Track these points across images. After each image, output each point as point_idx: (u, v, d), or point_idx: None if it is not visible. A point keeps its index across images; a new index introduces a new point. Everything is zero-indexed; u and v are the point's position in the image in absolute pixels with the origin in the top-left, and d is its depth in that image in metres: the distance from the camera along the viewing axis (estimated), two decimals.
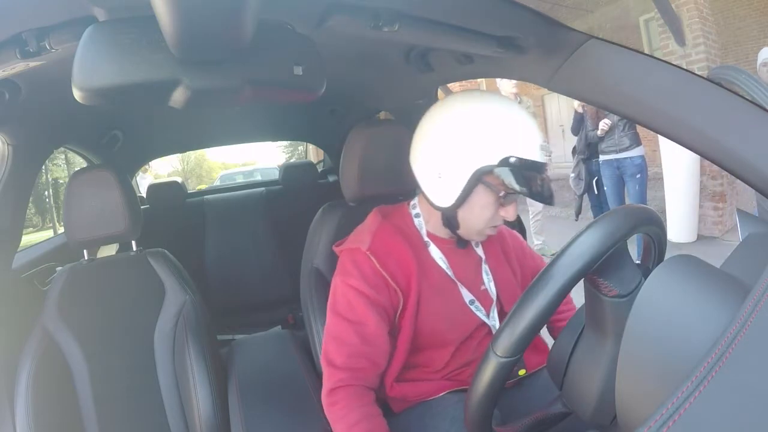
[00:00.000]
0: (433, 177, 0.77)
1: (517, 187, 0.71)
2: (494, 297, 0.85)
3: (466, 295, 0.82)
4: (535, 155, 0.73)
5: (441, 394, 0.81)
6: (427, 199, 0.79)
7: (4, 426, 0.91)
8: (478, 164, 0.73)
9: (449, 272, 0.82)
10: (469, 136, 0.74)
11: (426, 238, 0.84)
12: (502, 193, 0.74)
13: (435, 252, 0.83)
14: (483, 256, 0.88)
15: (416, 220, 0.86)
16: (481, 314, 0.82)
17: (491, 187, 0.74)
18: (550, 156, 0.76)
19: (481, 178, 0.73)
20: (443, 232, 0.84)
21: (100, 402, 1.01)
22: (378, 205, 0.91)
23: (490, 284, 0.86)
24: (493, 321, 0.83)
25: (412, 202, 0.88)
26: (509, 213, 0.77)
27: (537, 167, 0.73)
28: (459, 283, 0.82)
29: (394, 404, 0.82)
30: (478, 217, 0.77)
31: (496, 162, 0.72)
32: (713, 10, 4.01)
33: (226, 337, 1.73)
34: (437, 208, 0.78)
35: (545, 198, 0.74)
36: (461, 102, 0.77)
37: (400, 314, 0.79)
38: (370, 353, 0.76)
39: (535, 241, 3.49)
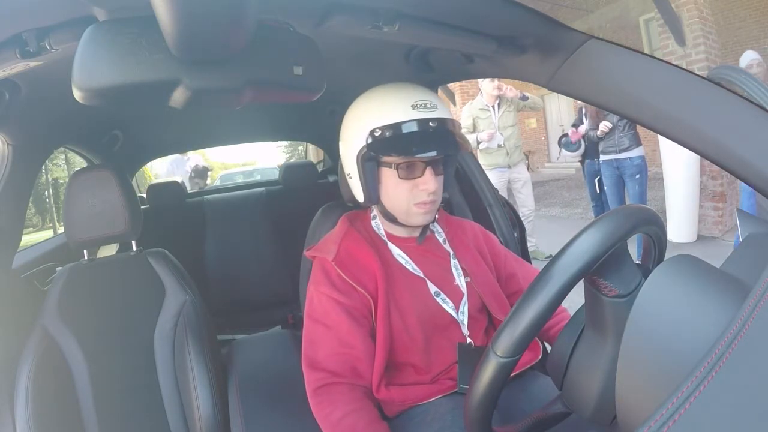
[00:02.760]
0: (346, 179, 0.84)
1: (393, 154, 0.75)
2: (464, 291, 0.85)
3: (432, 288, 0.84)
4: (405, 115, 0.75)
5: (432, 399, 0.81)
6: (361, 202, 0.84)
7: (4, 426, 0.91)
8: (355, 149, 0.78)
9: (410, 267, 0.84)
10: (346, 128, 0.81)
11: (384, 238, 0.87)
12: (393, 167, 0.78)
13: (394, 249, 0.86)
14: (451, 252, 0.89)
15: (373, 222, 0.89)
16: (447, 306, 0.83)
17: (385, 165, 0.78)
18: (434, 109, 0.77)
19: (366, 161, 0.78)
20: (399, 231, 0.87)
21: (100, 402, 1.01)
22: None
23: (460, 279, 0.86)
24: (462, 316, 0.84)
25: (373, 208, 0.91)
26: (427, 183, 0.78)
27: (413, 125, 0.75)
28: (425, 277, 0.84)
29: (386, 408, 0.82)
30: (396, 198, 0.81)
31: (365, 141, 0.76)
32: (713, 10, 4.01)
33: (226, 337, 1.73)
34: (364, 205, 0.84)
35: (439, 147, 0.75)
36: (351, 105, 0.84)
37: (375, 316, 0.80)
38: (348, 354, 0.77)
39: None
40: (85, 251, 1.11)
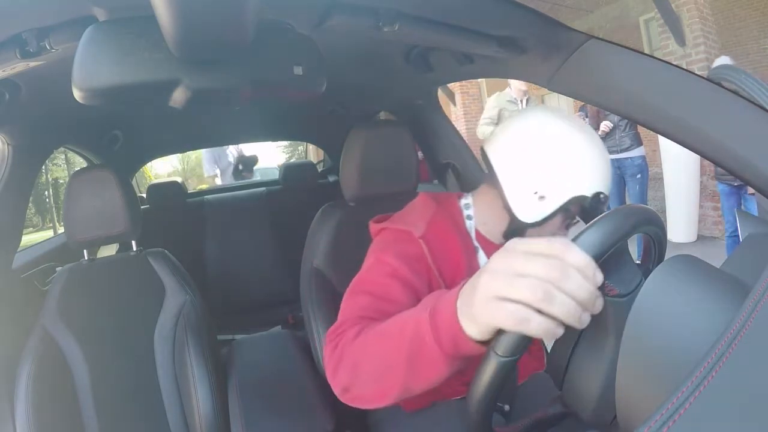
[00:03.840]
0: (526, 192, 0.74)
1: (592, 218, 0.72)
2: None
3: None
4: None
5: (455, 399, 0.80)
6: (509, 210, 0.75)
7: (4, 426, 0.91)
8: (575, 192, 0.72)
9: None
10: (573, 164, 0.72)
11: (476, 243, 0.79)
12: (576, 219, 0.76)
13: (483, 260, 0.78)
14: None
15: (468, 222, 0.80)
16: None
17: (569, 213, 0.75)
18: None
19: (570, 204, 0.73)
20: (498, 238, 0.80)
21: (100, 402, 1.01)
22: (378, 205, 0.90)
23: None
24: None
25: (464, 201, 0.83)
26: (561, 232, 0.78)
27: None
28: None
29: (405, 402, 0.79)
30: (544, 234, 0.75)
31: (590, 194, 0.72)
32: (713, 10, 4.01)
33: (226, 337, 1.73)
34: (517, 222, 0.75)
35: None
36: (562, 124, 0.74)
37: None
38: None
39: None
40: (85, 251, 1.11)
